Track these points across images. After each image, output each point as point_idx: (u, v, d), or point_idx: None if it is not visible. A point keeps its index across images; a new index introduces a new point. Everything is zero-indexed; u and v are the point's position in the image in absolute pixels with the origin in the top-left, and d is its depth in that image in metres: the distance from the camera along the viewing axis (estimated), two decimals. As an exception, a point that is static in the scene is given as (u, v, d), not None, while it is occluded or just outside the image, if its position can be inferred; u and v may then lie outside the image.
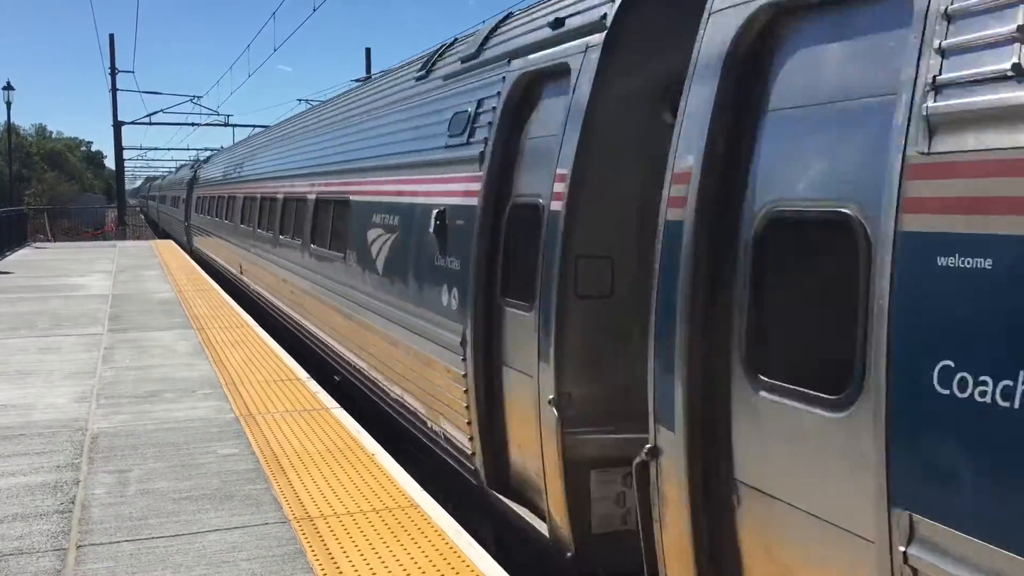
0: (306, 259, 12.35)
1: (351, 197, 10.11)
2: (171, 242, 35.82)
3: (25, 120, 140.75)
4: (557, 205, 5.40)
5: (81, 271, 22.06)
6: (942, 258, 2.76)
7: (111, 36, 50.39)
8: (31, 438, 7.37)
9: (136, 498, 5.96)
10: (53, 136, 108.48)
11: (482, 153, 6.51)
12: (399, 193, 8.39)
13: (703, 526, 3.94)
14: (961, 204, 2.73)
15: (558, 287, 5.29)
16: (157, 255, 27.26)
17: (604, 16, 5.39)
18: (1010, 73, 2.64)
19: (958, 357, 2.71)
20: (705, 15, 4.09)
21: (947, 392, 2.72)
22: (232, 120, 60.10)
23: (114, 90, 49.22)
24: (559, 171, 5.44)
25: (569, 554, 5.38)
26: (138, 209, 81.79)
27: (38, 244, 35.93)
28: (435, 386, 7.08)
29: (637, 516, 4.45)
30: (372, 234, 8.98)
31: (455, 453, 6.83)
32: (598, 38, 5.41)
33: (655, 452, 4.15)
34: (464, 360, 6.40)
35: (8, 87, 45.70)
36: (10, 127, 60.24)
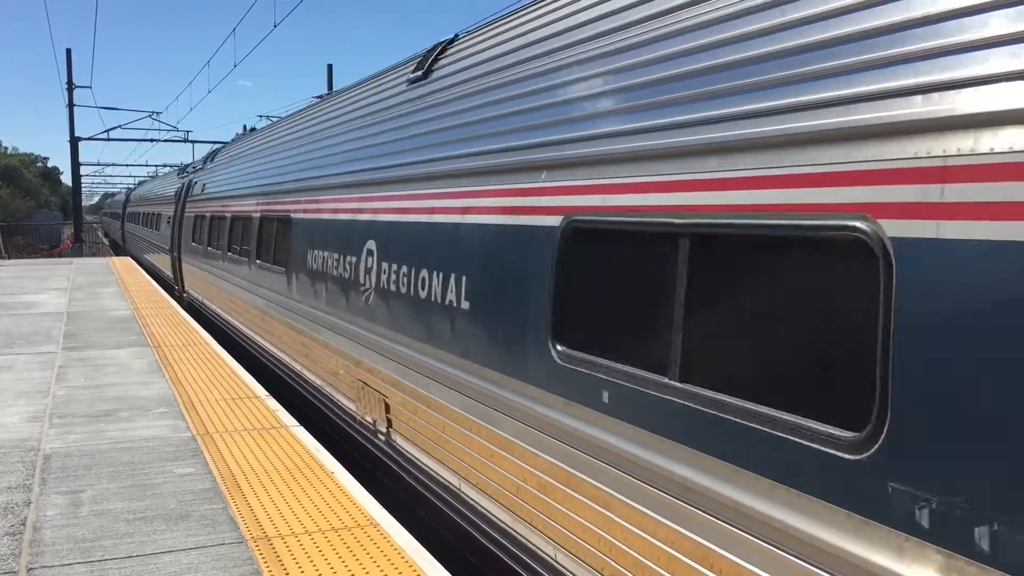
0: None
1: None
2: (128, 259, 35.24)
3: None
4: None
5: (36, 288, 21.67)
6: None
7: (68, 51, 49.60)
8: (-19, 459, 7.22)
9: (89, 519, 5.86)
10: (8, 152, 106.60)
11: None
12: None
13: None
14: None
15: None
16: (114, 272, 26.86)
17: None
18: None
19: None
20: None
21: None
22: (192, 136, 59.55)
23: (71, 105, 48.61)
24: None
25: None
26: (99, 229, 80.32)
27: (-9, 261, 35.23)
28: None
29: None
30: None
31: None
32: None
33: None
34: None
35: (-39, 102, 44.94)
36: (-37, 142, 59.17)
